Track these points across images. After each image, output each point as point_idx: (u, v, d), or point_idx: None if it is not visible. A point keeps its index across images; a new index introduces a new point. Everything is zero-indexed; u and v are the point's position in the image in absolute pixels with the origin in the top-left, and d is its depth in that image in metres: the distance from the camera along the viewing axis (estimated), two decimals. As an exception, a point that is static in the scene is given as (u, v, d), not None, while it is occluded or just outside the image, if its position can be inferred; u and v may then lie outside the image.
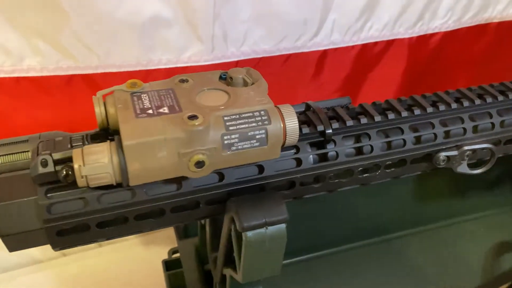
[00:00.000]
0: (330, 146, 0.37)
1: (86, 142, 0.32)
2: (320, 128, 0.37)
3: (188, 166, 0.30)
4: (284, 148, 0.36)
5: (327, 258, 0.74)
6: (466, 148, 0.40)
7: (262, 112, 0.32)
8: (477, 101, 0.42)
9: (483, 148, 0.41)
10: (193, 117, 0.30)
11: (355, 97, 0.76)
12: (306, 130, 0.37)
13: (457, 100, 0.42)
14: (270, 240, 0.33)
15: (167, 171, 0.30)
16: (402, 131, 0.39)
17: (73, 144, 0.32)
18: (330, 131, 0.37)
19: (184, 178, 0.33)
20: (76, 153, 0.29)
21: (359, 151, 0.38)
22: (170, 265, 0.55)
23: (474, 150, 0.41)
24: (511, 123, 0.43)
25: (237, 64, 0.64)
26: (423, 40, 0.73)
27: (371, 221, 0.74)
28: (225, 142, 0.31)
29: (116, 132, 0.31)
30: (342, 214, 0.72)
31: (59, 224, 0.32)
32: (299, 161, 0.36)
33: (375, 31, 0.69)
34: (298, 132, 0.33)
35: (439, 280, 0.72)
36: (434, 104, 0.41)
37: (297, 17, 0.62)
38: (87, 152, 0.29)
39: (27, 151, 0.34)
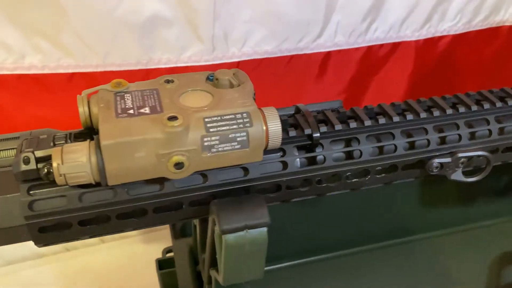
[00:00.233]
0: (318, 150, 0.37)
1: (69, 141, 0.32)
2: (308, 131, 0.36)
3: (167, 167, 0.30)
4: (270, 151, 0.35)
5: (328, 261, 0.73)
6: (460, 155, 0.39)
7: (244, 114, 0.32)
8: (474, 107, 0.40)
9: (478, 156, 0.40)
10: (172, 118, 0.30)
11: (361, 100, 0.75)
12: (293, 133, 0.36)
13: (454, 106, 0.41)
14: (251, 244, 0.33)
15: (146, 172, 0.30)
16: (393, 136, 0.38)
17: (56, 143, 0.32)
18: (318, 134, 0.36)
19: (166, 178, 0.33)
20: (55, 152, 0.30)
21: (347, 155, 0.38)
22: (163, 264, 0.55)
23: (469, 158, 0.40)
24: (510, 131, 0.41)
25: (238, 64, 0.63)
26: (431, 43, 0.72)
27: (371, 226, 0.73)
28: (205, 144, 0.31)
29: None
30: (344, 218, 0.71)
31: (41, 221, 0.32)
32: (285, 164, 0.36)
33: (380, 33, 0.68)
34: (280, 135, 0.32)
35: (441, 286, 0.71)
36: (428, 110, 0.40)
37: (299, 18, 0.62)
38: (66, 150, 0.30)
39: (15, 148, 0.34)
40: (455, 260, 0.74)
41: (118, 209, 0.33)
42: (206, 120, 0.31)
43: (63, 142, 0.32)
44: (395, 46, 0.70)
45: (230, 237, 0.32)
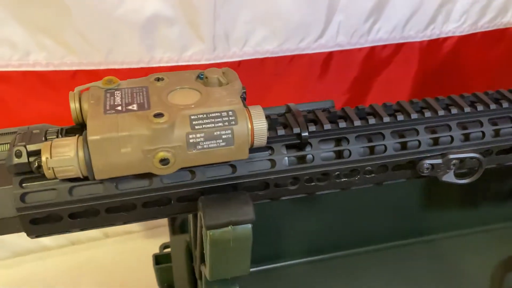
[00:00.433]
0: (306, 149, 0.37)
1: (60, 136, 0.33)
2: (297, 130, 0.37)
3: (153, 163, 0.31)
4: (259, 149, 0.36)
5: (330, 261, 0.73)
6: (451, 156, 0.39)
7: (230, 113, 0.32)
8: (467, 109, 0.40)
9: (470, 157, 0.39)
10: (158, 115, 0.31)
11: (364, 100, 0.75)
12: (282, 132, 0.37)
13: (446, 107, 0.41)
14: (235, 240, 0.33)
15: (132, 167, 0.31)
16: (384, 137, 0.38)
17: (47, 137, 0.33)
18: (306, 134, 0.37)
19: (155, 174, 0.33)
20: (45, 146, 0.31)
21: (337, 155, 0.38)
22: (160, 259, 0.56)
23: (461, 159, 0.40)
24: (504, 133, 0.41)
25: (239, 64, 0.64)
26: (435, 44, 0.71)
27: (374, 228, 0.73)
28: (190, 140, 0.31)
29: None
30: (347, 219, 0.72)
31: (32, 213, 0.33)
32: (273, 163, 0.36)
33: (383, 34, 0.68)
34: (266, 134, 0.33)
35: (442, 290, 0.70)
36: (420, 111, 0.40)
37: (300, 18, 0.62)
38: (54, 145, 0.30)
39: None
40: (457, 263, 0.73)
41: (107, 203, 0.34)
42: (192, 117, 0.31)
43: (54, 137, 0.33)
44: (399, 47, 0.70)
45: (215, 232, 0.33)
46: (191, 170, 0.35)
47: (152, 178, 0.34)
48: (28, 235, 0.35)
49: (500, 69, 0.76)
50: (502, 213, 0.75)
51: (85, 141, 0.30)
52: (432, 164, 0.39)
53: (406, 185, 0.70)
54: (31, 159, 0.32)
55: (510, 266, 0.72)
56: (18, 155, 0.32)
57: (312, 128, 0.37)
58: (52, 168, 0.30)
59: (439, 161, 0.39)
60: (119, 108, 0.32)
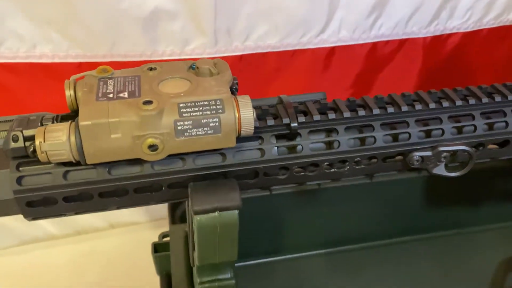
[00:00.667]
0: (296, 139, 0.38)
1: (55, 122, 0.35)
2: (286, 121, 0.37)
3: (142, 148, 0.32)
4: (249, 138, 0.37)
5: (333, 256, 0.74)
6: (441, 149, 0.39)
7: (217, 101, 0.33)
8: (459, 102, 0.40)
9: (460, 150, 0.40)
10: (147, 102, 0.32)
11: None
12: (272, 122, 0.37)
13: (438, 100, 0.41)
14: (222, 226, 0.34)
15: (122, 152, 0.32)
16: (373, 128, 0.39)
17: (43, 123, 0.34)
18: (296, 124, 0.37)
19: (146, 161, 0.34)
20: (39, 131, 0.32)
21: (325, 145, 0.38)
22: (159, 248, 0.58)
23: (451, 152, 0.40)
24: (497, 127, 0.41)
25: (241, 58, 0.65)
26: (439, 40, 0.71)
27: (372, 224, 0.73)
28: (178, 128, 0.32)
29: None
30: (351, 215, 0.72)
31: (29, 196, 0.34)
32: (262, 152, 0.37)
33: (386, 30, 0.68)
34: (253, 123, 0.34)
35: (442, 288, 0.70)
36: (411, 104, 0.40)
37: (302, 13, 0.63)
38: (48, 130, 0.32)
39: None
40: (459, 261, 0.73)
41: (100, 187, 0.35)
42: (180, 105, 0.32)
43: (50, 123, 0.34)
44: (402, 43, 0.70)
45: (202, 217, 0.34)
46: (181, 157, 0.36)
47: (143, 164, 0.35)
48: (25, 217, 0.36)
49: (505, 66, 0.76)
50: (504, 212, 0.75)
51: (77, 126, 0.31)
52: (422, 157, 0.40)
53: (407, 182, 0.71)
54: (27, 143, 0.33)
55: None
56: (15, 139, 0.33)
57: (302, 119, 0.38)
58: (46, 151, 0.31)
59: (429, 153, 0.39)
60: (111, 95, 0.33)
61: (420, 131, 0.39)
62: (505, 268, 0.72)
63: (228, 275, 0.41)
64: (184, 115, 0.32)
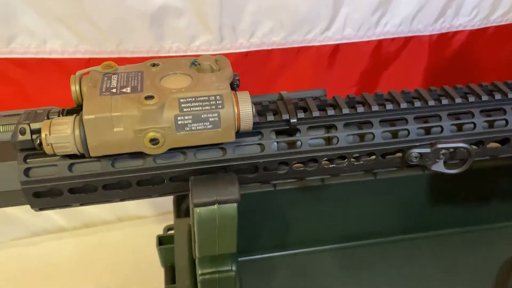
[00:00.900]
0: (296, 135, 0.38)
1: (61, 115, 0.36)
2: (286, 116, 0.38)
3: (144, 142, 0.33)
4: (249, 133, 0.37)
5: (333, 252, 0.74)
6: (439, 146, 0.40)
7: (217, 97, 0.34)
8: (458, 100, 0.41)
9: (459, 148, 0.40)
10: (149, 97, 0.33)
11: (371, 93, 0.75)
12: (271, 118, 0.38)
13: (438, 98, 0.41)
14: (221, 218, 0.35)
15: (124, 145, 0.33)
16: (372, 125, 0.39)
17: (49, 116, 0.35)
18: (295, 120, 0.38)
19: (148, 154, 0.35)
20: (45, 124, 0.33)
21: (324, 142, 0.39)
22: (163, 240, 0.59)
23: (450, 150, 0.40)
24: (497, 125, 0.41)
25: (247, 55, 0.66)
26: (445, 38, 0.71)
27: (378, 221, 0.73)
28: (179, 122, 0.33)
29: None
30: (351, 212, 0.72)
31: (35, 187, 0.36)
32: (262, 147, 0.38)
33: (391, 27, 0.68)
34: (251, 118, 0.34)
35: (445, 286, 0.70)
36: (410, 101, 0.41)
37: (307, 10, 0.63)
38: (53, 123, 0.33)
39: None
40: (464, 259, 0.73)
41: (104, 180, 0.36)
42: (181, 100, 0.33)
43: (56, 116, 0.36)
44: (407, 40, 0.70)
45: (201, 210, 0.35)
46: (183, 151, 0.37)
47: (145, 158, 0.36)
48: (32, 207, 0.37)
49: (512, 64, 0.75)
50: (509, 211, 0.74)
51: (81, 120, 0.32)
52: (420, 153, 0.40)
53: (412, 180, 0.71)
54: (34, 136, 0.34)
55: (517, 265, 0.71)
56: (22, 132, 0.34)
57: (301, 115, 0.38)
58: (51, 144, 0.33)
59: (427, 150, 0.40)
60: (114, 90, 0.34)
61: (419, 128, 0.40)
62: (509, 267, 0.72)
63: (229, 267, 0.42)
64: (184, 110, 0.33)
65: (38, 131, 0.34)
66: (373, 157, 0.40)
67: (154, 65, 0.37)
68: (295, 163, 0.39)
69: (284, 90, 0.68)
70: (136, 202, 0.81)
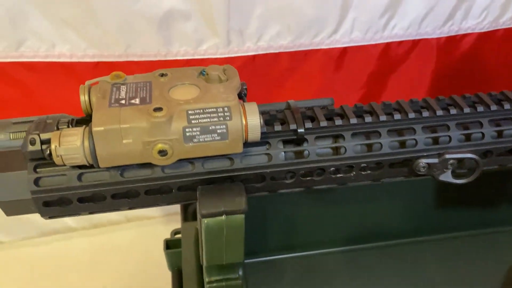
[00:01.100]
0: (303, 145, 0.38)
1: (70, 126, 0.36)
2: (293, 126, 0.38)
3: (152, 153, 0.33)
4: (256, 143, 0.38)
5: (339, 255, 0.74)
6: (447, 156, 0.40)
7: (225, 108, 0.34)
8: (467, 109, 0.40)
9: (466, 158, 0.40)
10: (157, 109, 0.33)
11: (379, 97, 0.75)
12: (279, 128, 0.38)
13: (446, 107, 0.41)
14: (228, 228, 0.35)
15: (133, 157, 0.33)
16: (380, 135, 0.39)
17: (59, 127, 0.36)
18: (303, 130, 0.38)
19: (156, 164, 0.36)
20: (54, 135, 0.33)
21: (332, 151, 0.39)
22: (170, 245, 0.59)
23: (458, 160, 0.40)
24: (506, 134, 0.41)
25: (254, 58, 0.66)
26: (453, 41, 0.71)
27: (383, 223, 0.73)
28: (187, 134, 0.33)
29: None
30: (357, 214, 0.72)
31: (45, 196, 0.36)
32: (270, 157, 0.38)
33: (399, 30, 0.68)
34: (259, 129, 0.34)
35: (449, 290, 0.70)
36: (418, 110, 0.40)
37: (314, 13, 0.63)
38: (63, 134, 0.33)
39: None
40: (471, 263, 0.72)
41: (113, 189, 0.37)
42: (189, 112, 0.33)
43: (65, 126, 0.36)
44: (415, 43, 0.69)
45: (209, 221, 0.35)
46: (190, 161, 0.37)
47: (154, 167, 0.36)
48: (41, 215, 0.38)
49: (522, 67, 0.75)
50: (516, 216, 0.74)
51: (90, 131, 0.33)
52: (428, 163, 0.40)
53: (420, 182, 0.71)
54: (44, 146, 0.35)
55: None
56: (32, 142, 0.35)
57: (309, 124, 0.38)
58: (61, 155, 0.33)
59: (435, 160, 0.40)
60: (123, 101, 0.34)
61: (427, 138, 0.40)
62: (515, 272, 0.72)
63: (236, 275, 0.42)
64: (192, 121, 0.33)
65: (48, 141, 0.35)
66: (381, 166, 0.40)
67: (162, 75, 0.37)
68: (303, 173, 0.39)
69: (291, 94, 0.69)
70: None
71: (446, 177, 0.41)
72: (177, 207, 0.84)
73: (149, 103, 0.34)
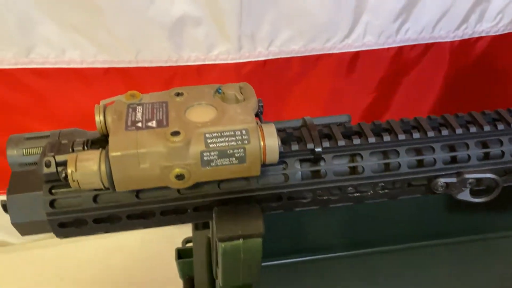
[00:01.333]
0: (320, 164, 0.38)
1: (86, 147, 0.36)
2: (311, 146, 0.38)
3: (170, 178, 0.33)
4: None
5: (348, 259, 0.74)
6: (467, 176, 0.39)
7: (243, 132, 0.33)
8: (486, 128, 0.40)
9: (485, 178, 0.39)
10: (175, 133, 0.32)
11: (391, 100, 0.74)
12: (296, 147, 0.38)
13: (466, 124, 0.40)
14: (246, 252, 0.35)
15: (150, 181, 0.33)
16: (398, 154, 0.39)
17: (74, 148, 0.35)
18: (320, 149, 0.37)
19: None
20: (70, 159, 0.33)
21: (349, 170, 0.38)
22: (182, 254, 0.59)
23: (477, 179, 0.39)
24: None
25: (265, 63, 0.65)
26: (467, 44, 0.69)
27: (393, 227, 0.73)
28: (204, 158, 0.33)
29: None
30: (370, 218, 0.72)
31: (60, 218, 0.36)
32: (286, 177, 0.37)
33: (412, 34, 0.67)
34: (277, 151, 0.34)
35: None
36: (437, 128, 0.40)
37: (327, 18, 0.62)
38: (80, 158, 0.33)
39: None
40: (481, 267, 0.72)
41: (128, 210, 0.36)
42: (207, 135, 0.33)
43: (80, 148, 0.35)
44: (428, 47, 0.68)
45: (226, 244, 0.35)
46: (206, 182, 0.36)
47: (170, 188, 0.36)
48: (56, 236, 0.38)
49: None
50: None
51: (107, 156, 0.32)
52: (446, 183, 0.39)
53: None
54: (59, 169, 0.34)
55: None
56: (48, 165, 0.34)
57: (326, 144, 0.38)
58: (77, 180, 0.33)
59: (453, 180, 0.39)
60: (139, 124, 0.33)
61: (446, 156, 0.39)
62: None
63: (251, 292, 0.42)
64: (210, 145, 0.33)
65: (63, 163, 0.34)
66: (398, 185, 0.40)
67: (178, 94, 0.36)
68: (320, 192, 0.39)
69: (301, 98, 0.68)
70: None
71: (464, 196, 0.40)
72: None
73: (166, 126, 0.33)
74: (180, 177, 0.33)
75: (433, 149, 0.39)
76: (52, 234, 0.82)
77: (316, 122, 0.40)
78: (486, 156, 0.40)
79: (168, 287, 0.68)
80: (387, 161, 0.38)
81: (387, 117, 0.72)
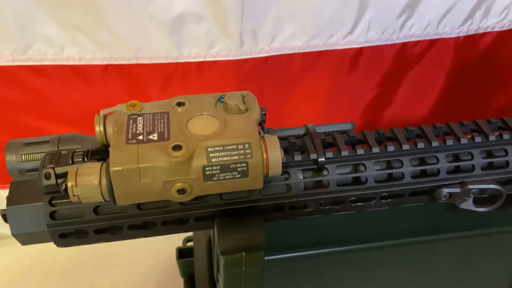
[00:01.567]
0: (323, 173, 0.38)
1: (86, 159, 0.35)
2: (314, 156, 0.37)
3: (171, 192, 0.32)
4: None
5: (349, 254, 0.74)
6: (470, 186, 0.39)
7: (246, 145, 0.33)
8: (492, 137, 0.39)
9: (489, 188, 0.39)
10: (176, 148, 0.32)
11: (394, 96, 0.73)
12: (299, 157, 0.37)
13: (470, 133, 0.40)
14: (248, 265, 0.35)
15: (151, 195, 0.33)
16: (402, 164, 0.38)
17: (74, 160, 0.35)
18: (323, 159, 0.37)
19: None
20: (71, 173, 0.32)
21: (352, 181, 0.38)
22: (183, 253, 0.59)
23: (481, 189, 0.39)
24: None
25: (266, 60, 0.64)
26: (471, 40, 0.68)
27: (394, 222, 0.72)
28: (207, 173, 0.32)
29: None
30: (372, 212, 0.72)
31: (61, 229, 0.35)
32: (289, 187, 0.37)
33: (416, 30, 0.66)
34: (281, 164, 0.33)
35: (457, 290, 0.70)
36: (442, 137, 0.39)
37: (330, 14, 0.61)
38: (80, 172, 0.32)
39: (45, 152, 0.37)
40: (484, 262, 0.72)
41: (129, 221, 0.36)
42: (209, 149, 0.32)
43: (80, 159, 0.35)
44: (432, 43, 0.67)
45: (228, 257, 0.34)
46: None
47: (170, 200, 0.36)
48: (57, 246, 0.37)
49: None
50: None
51: (108, 170, 0.32)
52: (450, 193, 0.39)
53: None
54: (59, 180, 0.34)
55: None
56: (48, 177, 0.34)
57: (330, 154, 0.37)
58: (78, 195, 0.32)
59: (457, 190, 0.39)
60: (140, 137, 0.33)
61: (450, 166, 0.39)
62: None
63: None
64: (212, 160, 0.32)
65: (62, 175, 0.34)
66: (401, 195, 0.39)
67: (179, 104, 0.36)
68: (322, 202, 0.38)
69: (304, 94, 0.67)
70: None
71: (467, 205, 0.40)
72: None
73: (168, 140, 0.33)
74: (181, 191, 0.32)
75: (437, 159, 0.38)
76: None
77: (319, 130, 0.40)
78: (491, 165, 0.39)
79: (168, 286, 0.69)
80: (390, 171, 0.38)
81: (390, 113, 0.71)
